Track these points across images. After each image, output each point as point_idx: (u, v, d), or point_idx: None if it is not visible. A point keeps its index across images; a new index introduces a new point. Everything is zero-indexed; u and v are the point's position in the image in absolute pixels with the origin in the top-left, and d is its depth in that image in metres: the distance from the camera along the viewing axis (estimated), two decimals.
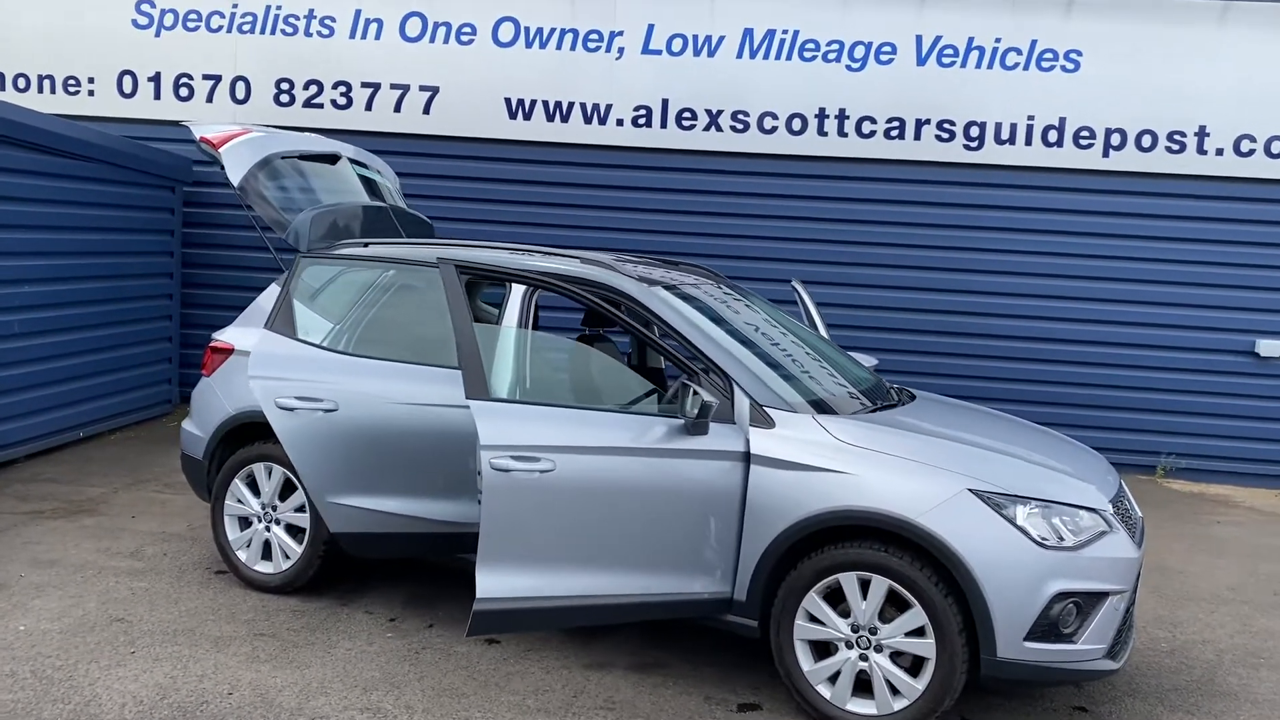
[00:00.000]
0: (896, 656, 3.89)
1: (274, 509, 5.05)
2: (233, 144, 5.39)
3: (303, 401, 4.40)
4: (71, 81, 9.69)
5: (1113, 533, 3.93)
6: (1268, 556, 6.94)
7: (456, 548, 4.58)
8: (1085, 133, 9.11)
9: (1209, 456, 9.25)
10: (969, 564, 3.73)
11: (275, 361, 4.48)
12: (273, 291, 5.26)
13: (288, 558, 5.02)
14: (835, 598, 3.97)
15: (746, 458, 4.04)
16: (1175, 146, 9.07)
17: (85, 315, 8.13)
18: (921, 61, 9.18)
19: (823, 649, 4.02)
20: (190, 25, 9.61)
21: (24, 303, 7.42)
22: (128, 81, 9.68)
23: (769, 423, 4.08)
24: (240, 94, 9.62)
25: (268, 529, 5.07)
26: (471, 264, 4.13)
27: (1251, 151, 9.01)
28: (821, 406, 4.25)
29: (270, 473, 5.04)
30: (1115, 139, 9.10)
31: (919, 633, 3.83)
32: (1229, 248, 9.13)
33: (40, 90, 9.69)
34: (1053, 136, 9.14)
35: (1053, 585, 3.72)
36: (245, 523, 5.15)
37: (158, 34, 9.64)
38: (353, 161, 6.20)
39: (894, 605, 3.89)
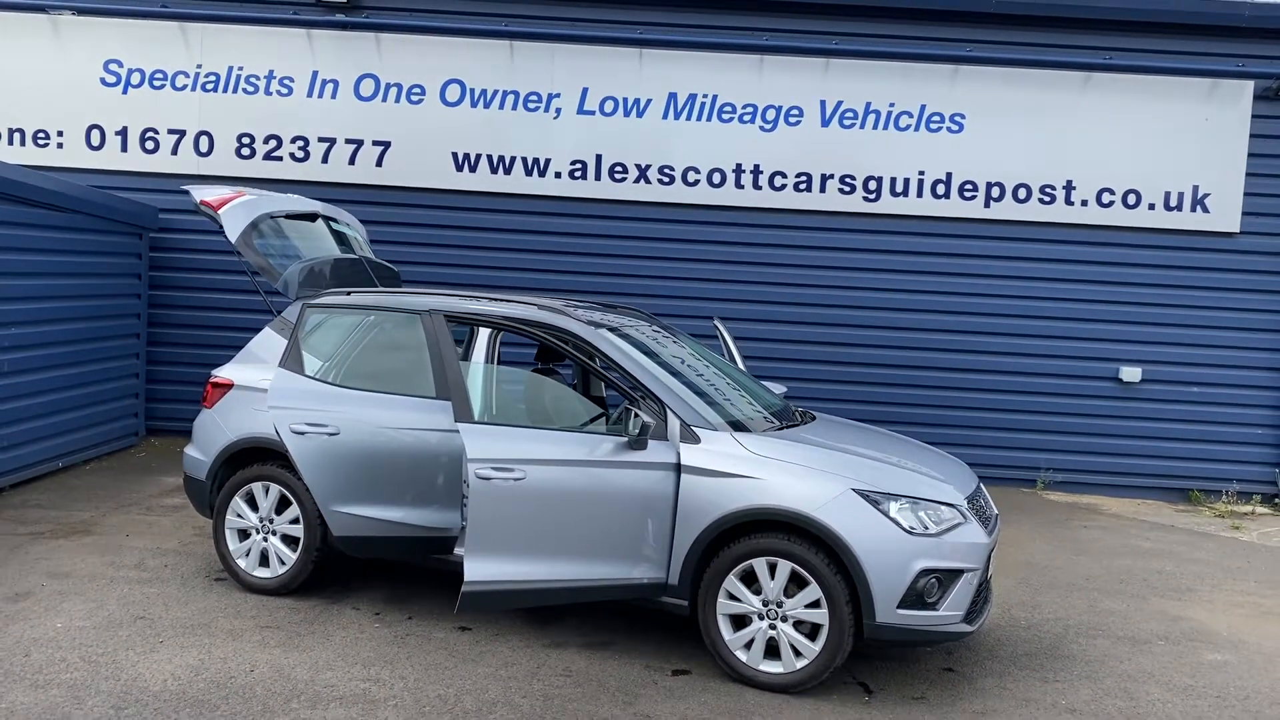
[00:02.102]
0: (798, 625, 4.86)
1: (270, 522, 5.86)
2: (230, 206, 6.22)
3: (312, 427, 5.26)
4: (41, 134, 10.36)
5: (967, 523, 4.96)
6: (1121, 554, 8.10)
7: (434, 549, 5.45)
8: (969, 186, 10.33)
9: (1081, 470, 10.48)
10: (853, 548, 4.72)
11: (289, 394, 5.34)
12: (268, 334, 6.09)
13: (283, 564, 5.82)
14: (749, 579, 4.92)
15: (678, 468, 4.99)
16: (1046, 198, 10.33)
17: (63, 354, 8.79)
18: (825, 123, 10.33)
19: (740, 621, 4.96)
20: (156, 84, 10.35)
21: (11, 343, 8.08)
22: (95, 135, 10.37)
23: (695, 439, 5.04)
24: (204, 148, 10.38)
25: (265, 539, 5.87)
26: (457, 313, 5.05)
27: (1111, 203, 10.31)
28: (738, 426, 5.23)
29: (267, 490, 5.85)
30: (995, 191, 10.33)
31: (815, 605, 4.80)
32: (1094, 286, 10.40)
33: (10, 142, 10.33)
34: (941, 189, 10.34)
35: (918, 564, 4.73)
36: (244, 535, 5.94)
37: (125, 91, 10.36)
38: (327, 218, 7.05)
39: (795, 583, 4.85)
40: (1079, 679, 5.29)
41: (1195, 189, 10.27)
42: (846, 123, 10.33)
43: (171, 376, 10.44)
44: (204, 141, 10.39)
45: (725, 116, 10.34)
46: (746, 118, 10.34)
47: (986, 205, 10.34)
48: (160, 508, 7.86)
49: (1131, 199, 10.29)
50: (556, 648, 5.30)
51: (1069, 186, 10.31)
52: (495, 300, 5.64)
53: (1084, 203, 10.32)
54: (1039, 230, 10.38)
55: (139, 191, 10.24)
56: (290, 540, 5.84)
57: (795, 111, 10.32)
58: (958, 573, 4.85)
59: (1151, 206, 10.29)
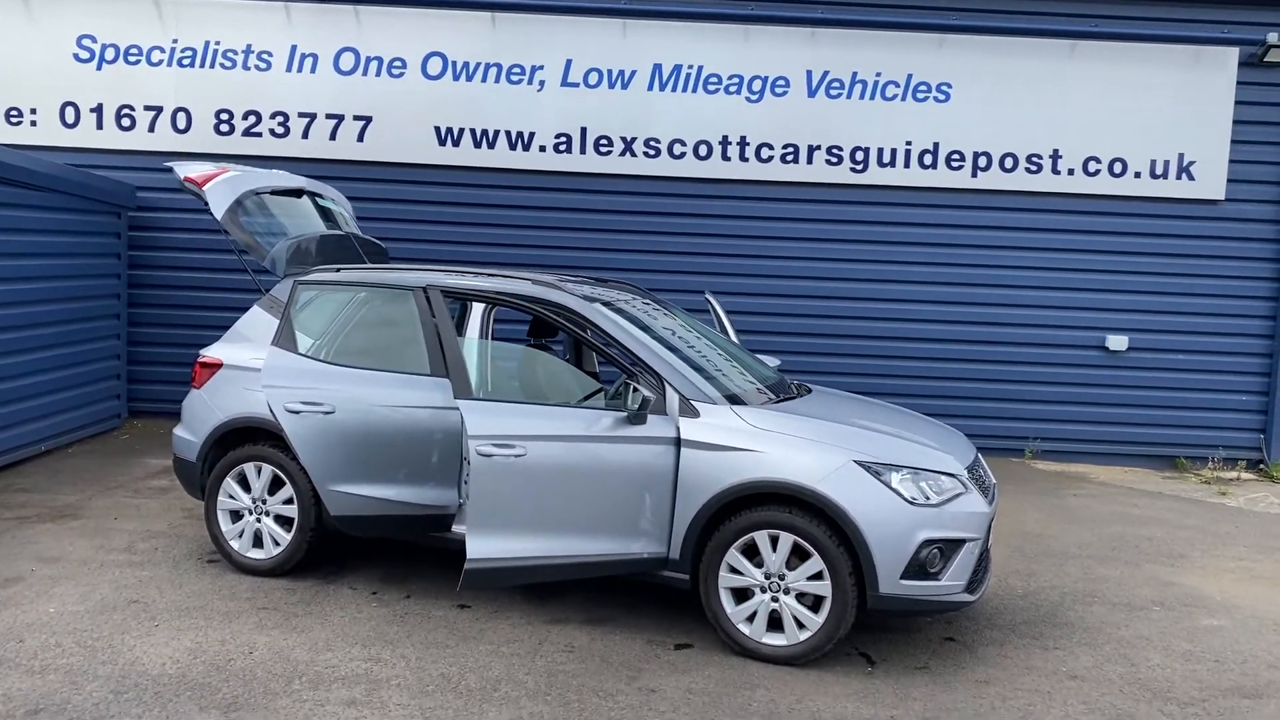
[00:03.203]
0: (801, 597, 4.84)
1: (264, 502, 5.79)
2: (214, 182, 6.10)
3: (307, 405, 5.18)
4: (14, 112, 10.15)
5: (968, 493, 4.95)
6: (1112, 521, 8.14)
7: (432, 527, 5.40)
8: (956, 156, 10.30)
9: (1069, 440, 10.53)
10: (856, 520, 4.70)
11: (282, 373, 5.25)
12: (256, 313, 6.00)
13: (278, 545, 5.76)
14: (750, 552, 4.90)
15: (677, 442, 4.95)
16: (1033, 167, 10.31)
17: (44, 336, 8.65)
18: (812, 93, 10.26)
19: (741, 594, 4.95)
20: (131, 59, 10.15)
21: None
22: (70, 112, 10.18)
23: (694, 413, 5.00)
24: (181, 124, 10.20)
25: (258, 520, 5.80)
26: (453, 288, 4.98)
27: (1098, 171, 10.30)
28: (736, 399, 5.19)
29: (260, 471, 5.78)
30: (982, 161, 10.30)
31: (818, 576, 4.78)
32: (1081, 255, 10.41)
33: None
34: (928, 159, 10.30)
35: (920, 534, 4.72)
36: (237, 516, 5.86)
37: (99, 67, 10.16)
38: (312, 194, 6.94)
39: (797, 556, 4.83)
40: (1079, 646, 5.31)
41: (1181, 157, 10.27)
42: (833, 93, 10.26)
43: (153, 358, 10.31)
44: (181, 118, 10.21)
45: (711, 88, 10.25)
46: (732, 89, 10.26)
47: (974, 175, 10.32)
48: (147, 490, 7.76)
49: (1118, 167, 10.29)
50: (558, 624, 5.27)
51: (1055, 155, 10.30)
52: (490, 275, 5.57)
53: (1070, 172, 10.31)
54: (1026, 200, 10.36)
55: (116, 170, 10.07)
56: (284, 521, 5.77)
57: (781, 82, 10.24)
58: (959, 542, 4.84)
59: (1138, 175, 10.29)
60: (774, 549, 4.84)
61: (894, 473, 4.81)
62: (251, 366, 5.80)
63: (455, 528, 5.42)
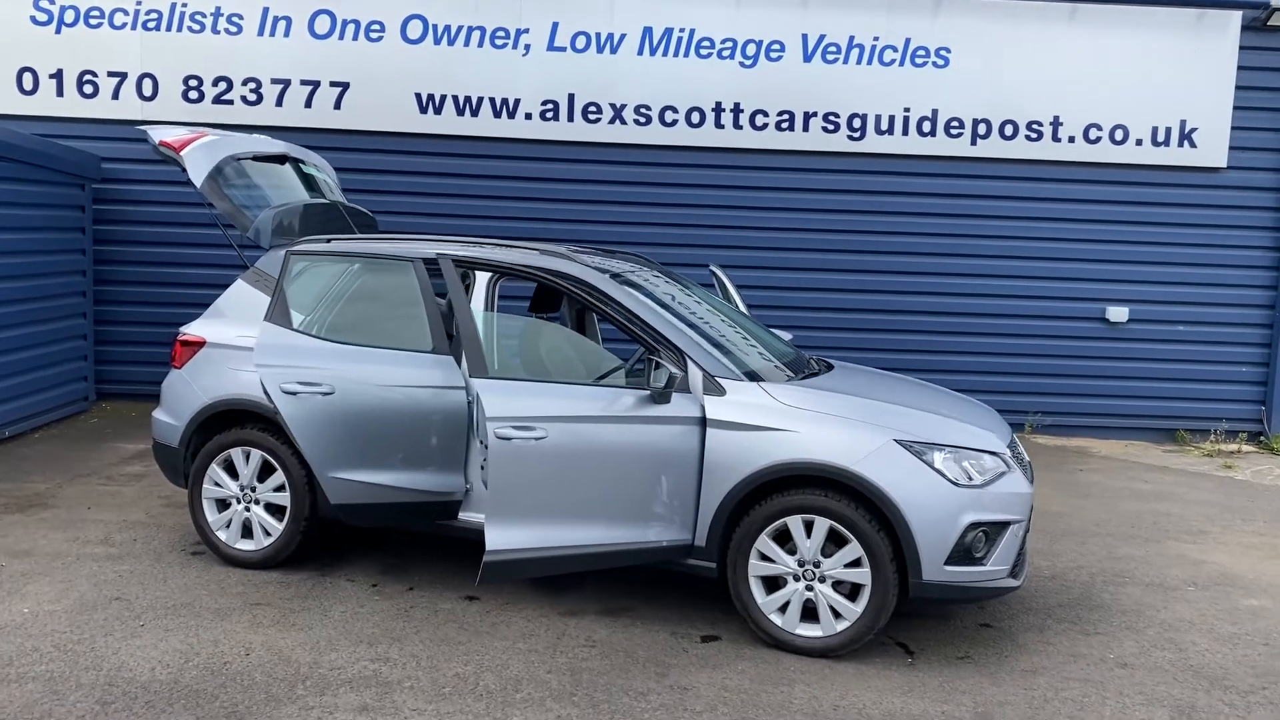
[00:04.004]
0: (837, 585, 4.55)
1: (253, 490, 5.40)
2: (193, 147, 5.67)
3: (304, 386, 4.78)
4: None
5: (1011, 472, 4.67)
6: (1124, 497, 7.93)
7: (438, 515, 5.04)
8: (955, 123, 10.01)
9: (1069, 413, 10.33)
10: (898, 503, 4.41)
11: (277, 351, 4.84)
12: (241, 287, 5.59)
13: (269, 535, 5.38)
14: (781, 538, 4.60)
15: (702, 422, 4.62)
16: (1033, 135, 10.05)
17: (4, 315, 8.16)
18: (808, 58, 9.92)
19: (772, 583, 4.64)
20: (92, 22, 9.61)
21: None
22: (28, 78, 9.63)
23: (720, 391, 4.67)
24: (147, 91, 9.68)
25: (247, 509, 5.42)
26: (466, 259, 4.60)
27: (1099, 139, 10.06)
28: (758, 376, 4.85)
29: (248, 457, 5.39)
30: (982, 128, 10.02)
31: (855, 564, 4.49)
32: (1081, 225, 10.18)
33: None
34: (926, 127, 10.01)
35: (966, 517, 4.43)
36: (223, 505, 5.48)
37: (58, 30, 9.61)
38: (296, 160, 6.51)
39: (833, 542, 4.53)
40: (1120, 630, 5.07)
41: (1183, 123, 10.05)
42: (830, 58, 9.92)
43: (121, 337, 9.83)
44: (147, 84, 9.69)
45: (703, 52, 9.88)
46: (725, 53, 9.89)
47: (973, 143, 10.04)
48: (120, 476, 7.34)
49: (1119, 134, 10.05)
50: (574, 615, 4.95)
51: (1056, 123, 10.04)
52: (496, 246, 5.20)
53: (1071, 139, 10.06)
54: (1026, 168, 10.11)
55: (79, 139, 9.55)
56: (275, 509, 5.39)
57: (776, 46, 9.89)
58: (1004, 525, 4.56)
59: (1139, 142, 10.06)
60: (808, 535, 4.54)
61: (936, 452, 4.52)
62: (237, 344, 5.41)
63: (462, 514, 5.07)
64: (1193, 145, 10.07)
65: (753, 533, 4.60)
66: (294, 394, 4.75)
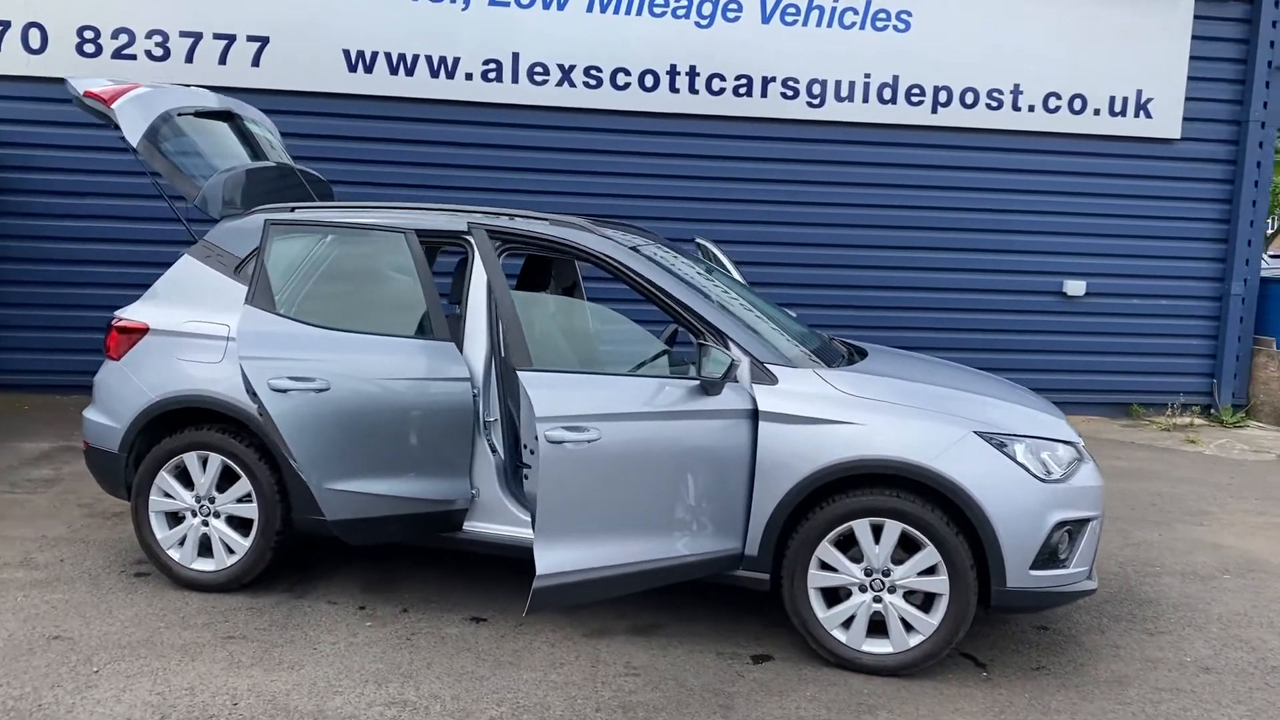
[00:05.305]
0: (909, 596, 4.07)
1: (212, 501, 4.62)
2: (125, 100, 4.81)
3: (296, 382, 4.01)
4: None
5: (1086, 462, 4.26)
6: (1109, 476, 7.62)
7: (443, 526, 4.36)
8: (916, 90, 9.63)
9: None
10: (981, 503, 3.93)
11: (264, 340, 4.05)
12: (189, 264, 4.78)
13: (232, 552, 4.62)
14: (843, 545, 4.09)
15: (753, 415, 4.06)
16: (994, 103, 9.75)
17: None
18: (766, 19, 9.39)
19: (831, 596, 4.14)
20: None
21: None
22: None
23: (771, 379, 4.12)
24: (35, 43, 8.56)
25: (205, 523, 4.64)
26: (503, 231, 3.92)
27: (1058, 108, 9.83)
28: (810, 360, 4.31)
29: (205, 462, 4.60)
30: (943, 96, 9.67)
31: (930, 571, 4.01)
32: (1040, 197, 9.96)
33: None
34: (887, 94, 9.61)
35: (1054, 515, 3.99)
36: (175, 518, 4.69)
37: None
38: (242, 118, 5.67)
39: (903, 548, 4.05)
40: (1182, 628, 4.73)
41: (1139, 93, 9.89)
42: (789, 19, 9.41)
43: (12, 321, 8.72)
44: (35, 36, 8.57)
45: (657, 10, 9.25)
46: (680, 12, 9.28)
47: (934, 111, 9.68)
48: (27, 482, 6.40)
49: (1077, 104, 9.83)
50: (601, 637, 4.35)
51: (1016, 91, 9.76)
52: (516, 217, 4.52)
53: (1031, 108, 9.80)
54: (986, 138, 9.82)
55: None
56: (240, 523, 4.63)
57: (734, 6, 9.33)
58: (1085, 521, 4.14)
59: (1097, 112, 9.87)
60: (876, 540, 4.04)
61: (1018, 444, 4.06)
62: (188, 331, 4.63)
63: (467, 525, 4.40)
64: (1148, 116, 9.93)
65: (812, 539, 4.08)
66: (284, 391, 3.98)
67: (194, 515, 4.65)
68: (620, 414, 3.76)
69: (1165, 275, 10.18)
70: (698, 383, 3.97)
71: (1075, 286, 10.05)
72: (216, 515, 4.63)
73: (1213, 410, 10.28)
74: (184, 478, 4.66)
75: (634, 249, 4.53)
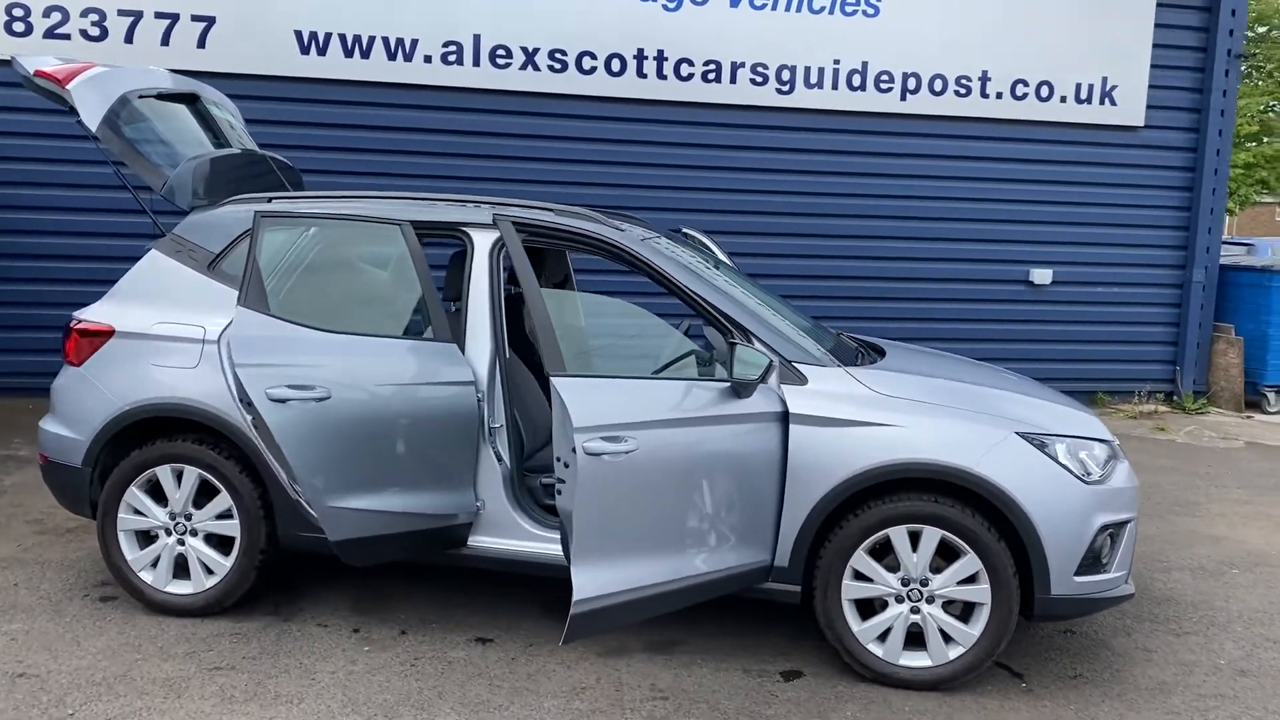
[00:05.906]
0: (948, 606, 3.87)
1: (188, 518, 4.24)
2: (81, 80, 4.39)
3: (295, 391, 3.64)
4: None
5: (1121, 461, 4.10)
6: None
7: (446, 544, 4.05)
8: (885, 77, 9.47)
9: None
10: (1025, 507, 3.74)
11: (261, 345, 3.67)
12: (157, 260, 4.38)
13: (212, 573, 4.25)
14: (879, 553, 3.88)
15: (783, 418, 3.82)
16: (962, 90, 9.63)
17: None
18: (735, 3, 9.14)
19: (866, 607, 3.92)
20: None
21: None
22: None
23: (801, 379, 3.89)
24: None
25: (181, 542, 4.26)
26: (532, 222, 3.61)
27: (1025, 95, 9.75)
28: (838, 359, 4.08)
29: (180, 476, 4.22)
30: (911, 83, 9.52)
31: (970, 580, 3.81)
32: (1007, 185, 9.87)
33: None
34: (856, 80, 9.43)
35: (1098, 518, 3.82)
36: (147, 537, 4.30)
37: None
38: (206, 101, 5.25)
39: (941, 555, 3.85)
40: (1206, 627, 4.62)
41: (1104, 80, 9.85)
42: (758, 3, 9.17)
43: None
44: None
45: None
46: None
47: (903, 98, 9.53)
48: None
49: (1044, 91, 9.76)
50: (618, 656, 4.08)
51: (985, 78, 9.65)
52: (528, 207, 4.20)
53: (999, 95, 9.70)
54: (955, 125, 9.69)
55: None
56: (220, 541, 4.26)
57: None
58: (1125, 523, 3.98)
59: (1063, 99, 9.81)
60: (914, 548, 3.83)
61: (1059, 444, 3.88)
62: (159, 333, 4.24)
63: (472, 539, 4.09)
64: (1114, 103, 9.90)
65: (847, 548, 3.85)
66: (283, 401, 3.62)
67: (168, 534, 4.26)
68: (654, 421, 3.47)
69: (1129, 263, 10.19)
70: (728, 385, 3.71)
71: (1042, 275, 10.00)
72: (194, 533, 4.26)
73: (1175, 397, 10.33)
74: (156, 493, 4.27)
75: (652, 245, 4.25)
